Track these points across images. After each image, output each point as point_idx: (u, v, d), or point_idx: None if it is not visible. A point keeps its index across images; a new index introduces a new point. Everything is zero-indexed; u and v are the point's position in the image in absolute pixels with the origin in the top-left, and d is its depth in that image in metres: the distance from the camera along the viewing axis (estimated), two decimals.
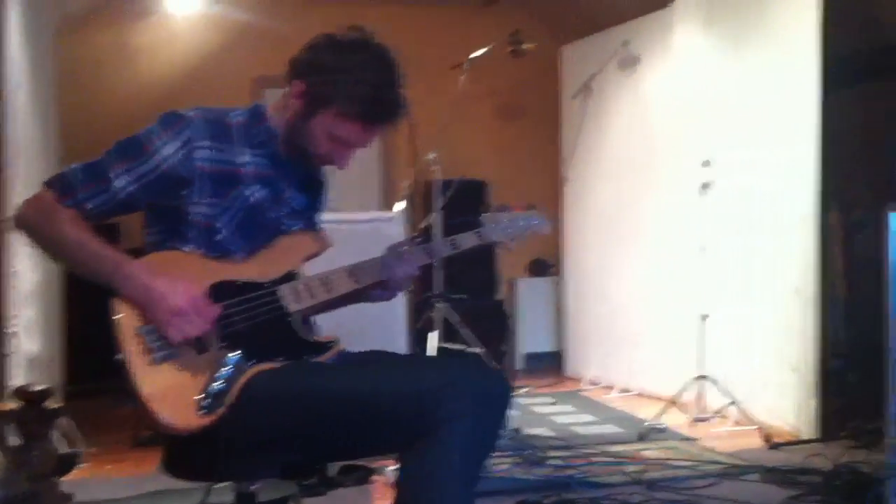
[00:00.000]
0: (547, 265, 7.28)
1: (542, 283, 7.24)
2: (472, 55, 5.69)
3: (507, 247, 2.43)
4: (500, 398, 1.97)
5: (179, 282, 1.89)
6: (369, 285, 2.19)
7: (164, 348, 1.86)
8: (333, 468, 2.09)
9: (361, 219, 4.34)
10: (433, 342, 5.25)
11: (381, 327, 3.91)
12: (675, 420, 4.90)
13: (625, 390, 6.05)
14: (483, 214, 2.42)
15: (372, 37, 2.09)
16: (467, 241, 2.35)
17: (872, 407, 3.17)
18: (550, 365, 7.04)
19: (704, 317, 4.93)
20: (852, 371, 4.83)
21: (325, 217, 2.37)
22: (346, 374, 1.99)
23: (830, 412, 4.56)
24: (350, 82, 2.03)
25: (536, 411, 5.47)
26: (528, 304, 7.17)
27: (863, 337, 4.41)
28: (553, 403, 5.75)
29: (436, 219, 5.82)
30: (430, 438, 1.82)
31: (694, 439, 4.61)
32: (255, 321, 1.97)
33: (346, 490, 2.12)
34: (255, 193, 2.07)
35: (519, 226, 2.43)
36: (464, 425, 1.82)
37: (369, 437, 1.91)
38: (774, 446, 4.43)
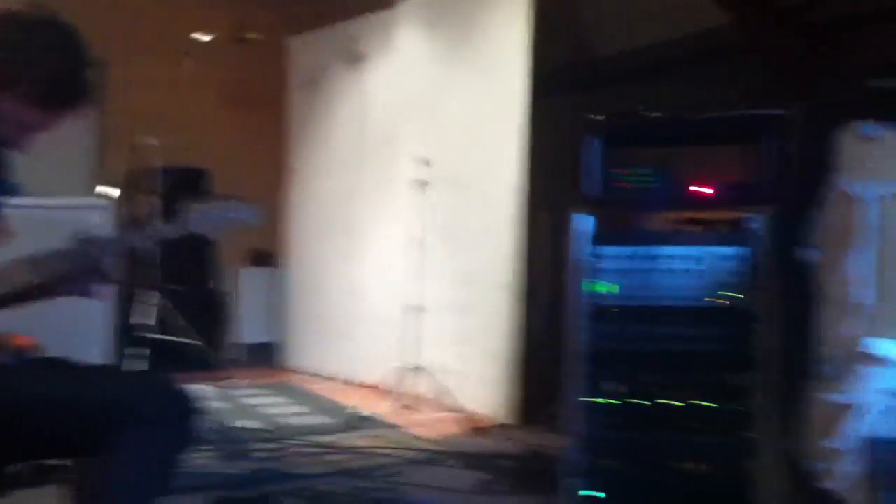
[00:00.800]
0: (269, 256, 7.22)
1: (263, 274, 7.17)
2: (196, 38, 5.57)
3: (215, 237, 2.38)
4: (183, 411, 1.93)
5: None
6: (57, 278, 2.06)
7: None
8: (16, 467, 1.98)
9: (63, 205, 4.05)
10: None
11: (81, 323, 3.67)
12: (384, 409, 5.05)
13: (340, 380, 6.14)
14: (189, 204, 2.34)
15: (56, 15, 1.97)
16: (168, 231, 2.26)
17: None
18: (270, 356, 6.99)
19: (417, 308, 5.11)
20: (551, 361, 5.18)
21: (20, 202, 2.21)
22: (16, 376, 1.88)
23: (529, 400, 4.86)
24: (30, 63, 1.90)
25: (248, 403, 5.41)
26: (249, 294, 7.07)
27: (561, 329, 4.75)
28: (266, 395, 5.72)
29: (150, 207, 5.64)
30: (106, 449, 1.77)
31: (401, 427, 4.76)
32: None
33: (27, 491, 2.02)
34: None
35: (226, 216, 2.36)
36: (141, 438, 1.78)
37: (38, 442, 1.84)
38: (477, 432, 4.67)
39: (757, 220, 2.99)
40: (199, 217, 2.31)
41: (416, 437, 4.54)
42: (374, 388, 5.36)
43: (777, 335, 2.76)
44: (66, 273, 2.05)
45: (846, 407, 2.26)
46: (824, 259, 2.46)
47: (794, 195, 2.64)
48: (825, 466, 2.33)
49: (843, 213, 2.39)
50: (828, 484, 2.32)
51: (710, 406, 3.09)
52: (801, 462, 2.43)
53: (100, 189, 4.75)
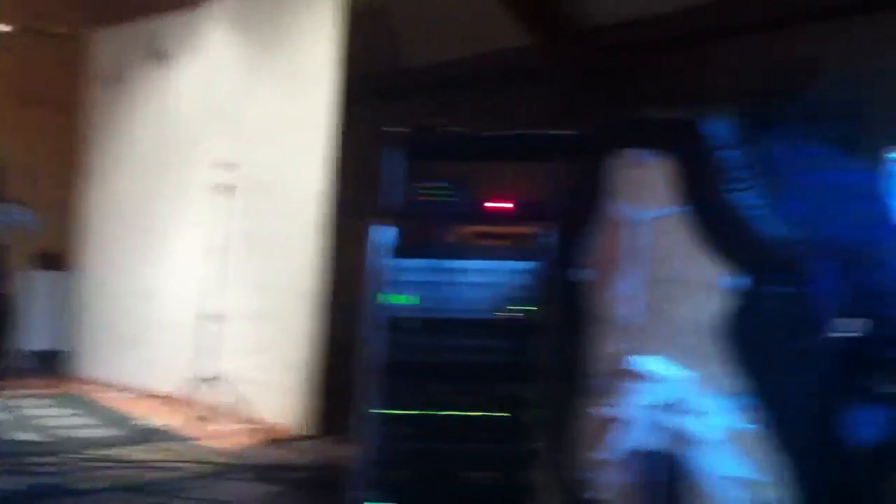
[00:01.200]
0: (60, 258, 6.82)
1: (53, 278, 6.76)
2: None
3: None
4: None
5: None
6: None
7: None
8: None
9: None
10: None
11: None
12: (178, 421, 4.89)
13: (132, 391, 5.87)
14: None
15: None
16: None
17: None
18: (58, 364, 6.60)
19: (214, 317, 4.98)
20: (350, 371, 5.17)
21: None
22: None
23: (328, 410, 4.83)
24: None
25: (29, 414, 5.11)
26: (37, 299, 6.65)
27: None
28: (51, 406, 5.43)
29: None
30: None
31: (195, 439, 4.62)
32: None
33: None
34: None
35: (1, 220, 2.24)
36: None
37: None
38: (273, 444, 4.60)
39: (544, 237, 3.10)
40: None
41: (211, 450, 4.42)
42: (167, 398, 5.17)
43: (553, 349, 2.87)
44: None
45: (612, 420, 2.36)
46: (595, 278, 2.57)
47: (573, 215, 2.74)
48: (592, 477, 2.43)
49: (611, 236, 2.51)
50: (594, 494, 2.42)
51: (497, 416, 3.18)
52: (571, 472, 2.52)
53: None
